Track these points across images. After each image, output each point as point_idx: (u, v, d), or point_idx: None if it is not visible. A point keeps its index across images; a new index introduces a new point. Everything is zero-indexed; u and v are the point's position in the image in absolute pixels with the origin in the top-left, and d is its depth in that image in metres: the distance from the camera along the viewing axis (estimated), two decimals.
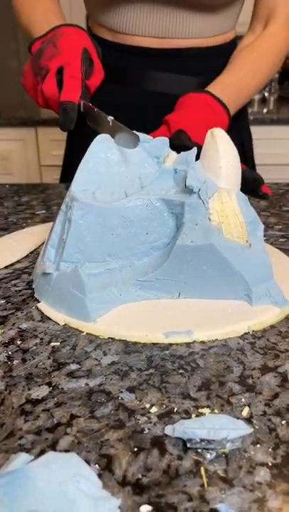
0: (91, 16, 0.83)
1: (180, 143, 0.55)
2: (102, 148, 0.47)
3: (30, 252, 0.58)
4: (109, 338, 0.41)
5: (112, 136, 0.48)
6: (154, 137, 0.49)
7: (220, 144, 0.45)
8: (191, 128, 0.57)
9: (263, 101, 2.15)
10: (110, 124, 0.49)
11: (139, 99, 0.80)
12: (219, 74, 0.77)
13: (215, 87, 0.69)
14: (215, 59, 0.79)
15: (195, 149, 0.47)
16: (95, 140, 0.48)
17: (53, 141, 1.84)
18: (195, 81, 0.79)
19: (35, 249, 0.59)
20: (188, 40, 0.76)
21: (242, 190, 0.47)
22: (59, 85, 0.54)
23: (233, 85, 0.72)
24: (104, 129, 0.49)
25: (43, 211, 0.73)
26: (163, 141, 0.48)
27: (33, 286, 0.49)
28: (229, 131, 0.47)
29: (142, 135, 0.48)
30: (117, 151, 0.48)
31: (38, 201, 0.78)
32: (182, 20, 0.74)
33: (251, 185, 0.52)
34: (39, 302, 0.47)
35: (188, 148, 0.48)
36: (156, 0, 0.71)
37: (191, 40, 0.76)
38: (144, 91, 0.80)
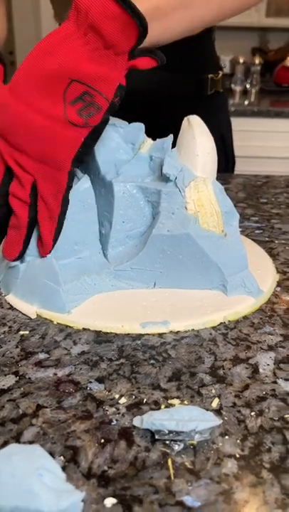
0: (57, 17, 0.79)
1: None
2: None
3: None
4: (83, 328, 0.40)
5: None
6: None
7: (196, 131, 0.45)
8: None
9: (245, 93, 2.16)
10: None
11: None
12: (192, 68, 0.74)
13: None
14: (188, 52, 0.76)
15: (171, 136, 0.46)
16: None
17: None
18: (168, 76, 0.76)
19: None
20: None
21: None
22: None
23: None
24: None
25: None
26: (139, 127, 0.47)
27: None
28: (208, 122, 0.46)
29: (116, 120, 0.47)
30: None
31: None
32: None
33: None
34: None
35: None
36: None
37: None
38: None
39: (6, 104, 0.38)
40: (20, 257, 0.42)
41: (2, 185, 0.41)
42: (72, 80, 0.37)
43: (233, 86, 2.12)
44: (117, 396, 0.32)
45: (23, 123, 0.38)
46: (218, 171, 0.47)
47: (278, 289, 0.47)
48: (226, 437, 0.29)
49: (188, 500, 0.25)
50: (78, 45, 0.37)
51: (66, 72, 0.36)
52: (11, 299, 0.44)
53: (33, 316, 0.41)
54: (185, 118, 0.46)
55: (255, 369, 0.35)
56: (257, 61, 2.16)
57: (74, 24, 0.37)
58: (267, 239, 0.58)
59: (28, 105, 0.37)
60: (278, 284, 0.48)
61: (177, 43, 0.74)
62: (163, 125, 0.62)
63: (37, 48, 0.38)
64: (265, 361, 0.36)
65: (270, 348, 0.38)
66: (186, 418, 0.29)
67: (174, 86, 0.78)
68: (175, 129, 0.46)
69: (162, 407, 0.31)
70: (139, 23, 0.35)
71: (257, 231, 0.61)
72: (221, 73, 0.85)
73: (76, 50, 0.37)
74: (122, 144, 0.47)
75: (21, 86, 0.37)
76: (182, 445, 0.28)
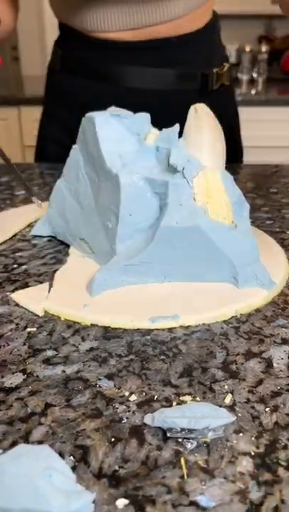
0: (58, 16, 0.78)
1: None
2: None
3: (15, 235, 0.56)
4: (91, 324, 0.39)
5: None
6: None
7: (204, 120, 0.43)
8: None
9: (251, 82, 2.12)
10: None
11: (116, 96, 0.74)
12: (197, 63, 0.73)
13: None
14: (193, 47, 0.75)
15: (177, 126, 0.45)
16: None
17: (37, 121, 1.79)
18: (172, 73, 0.75)
19: (19, 231, 0.57)
20: (163, 26, 0.71)
21: None
22: None
23: None
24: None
25: (23, 192, 0.71)
26: (144, 117, 0.46)
27: None
28: (216, 117, 0.45)
29: (121, 110, 0.46)
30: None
31: (17, 182, 0.75)
32: (150, 3, 0.68)
33: None
34: (16, 286, 0.44)
35: None
36: None
37: (166, 26, 0.71)
38: (121, 87, 0.76)
39: None
40: None
41: None
42: None
43: (239, 75, 2.09)
44: (127, 393, 0.31)
45: None
46: (227, 162, 0.46)
47: None
48: (240, 434, 0.28)
49: (203, 500, 0.24)
50: None
51: None
52: (18, 296, 0.43)
53: (41, 314, 0.40)
54: (192, 106, 0.44)
55: (268, 363, 0.34)
56: (264, 49, 2.12)
57: None
58: (278, 229, 0.57)
59: None
60: None
61: (182, 39, 0.73)
62: (170, 123, 0.61)
63: None
64: (279, 355, 0.35)
65: (284, 341, 0.37)
66: (198, 415, 0.28)
67: (179, 83, 0.76)
68: (182, 124, 0.45)
69: (174, 403, 0.30)
70: None
71: (267, 221, 0.59)
72: (226, 66, 0.83)
73: None
74: (127, 134, 0.46)
75: None
76: (195, 443, 0.27)
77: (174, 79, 0.75)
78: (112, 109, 0.47)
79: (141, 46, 0.72)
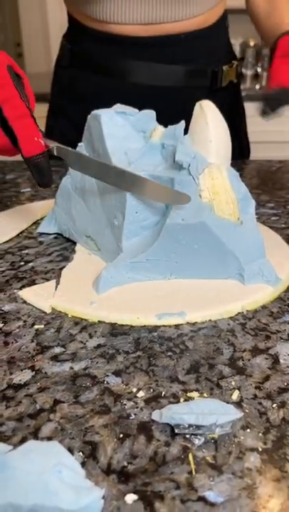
0: (70, 4, 0.78)
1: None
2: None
3: (21, 232, 0.56)
4: (99, 321, 0.39)
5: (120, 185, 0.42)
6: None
7: (209, 116, 0.43)
8: None
9: (256, 77, 2.11)
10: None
11: (124, 92, 0.75)
12: (206, 60, 0.73)
13: None
14: (202, 44, 0.75)
15: (183, 122, 0.45)
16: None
17: (40, 118, 1.79)
18: (182, 70, 0.76)
19: (26, 229, 0.57)
20: (176, 24, 0.71)
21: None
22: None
23: None
24: (95, 172, 0.43)
25: (29, 189, 0.71)
26: (149, 114, 0.46)
27: None
28: (223, 114, 0.45)
29: (127, 107, 0.46)
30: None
31: (23, 179, 0.76)
32: (169, 1, 0.69)
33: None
34: (23, 284, 0.45)
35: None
36: None
37: (179, 24, 0.71)
38: (129, 83, 0.76)
39: None
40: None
41: None
42: None
43: (243, 70, 2.08)
44: (134, 390, 0.31)
45: None
46: (232, 159, 0.46)
47: None
48: (248, 430, 0.28)
49: (211, 495, 0.24)
50: None
51: None
52: (25, 293, 0.43)
53: (48, 311, 0.41)
54: (197, 103, 0.44)
55: (275, 359, 0.34)
56: None
57: None
58: (283, 225, 0.57)
59: None
60: None
61: (191, 35, 0.73)
62: (178, 120, 0.61)
63: None
64: (286, 351, 0.35)
65: None
66: (206, 411, 0.28)
67: (189, 80, 0.76)
68: (188, 122, 0.45)
69: (181, 400, 0.31)
70: None
71: (273, 218, 0.59)
72: (235, 63, 0.83)
73: None
74: (133, 132, 0.46)
75: None
76: (203, 439, 0.28)
77: (183, 76, 0.75)
78: (118, 106, 0.47)
79: (151, 42, 0.72)
